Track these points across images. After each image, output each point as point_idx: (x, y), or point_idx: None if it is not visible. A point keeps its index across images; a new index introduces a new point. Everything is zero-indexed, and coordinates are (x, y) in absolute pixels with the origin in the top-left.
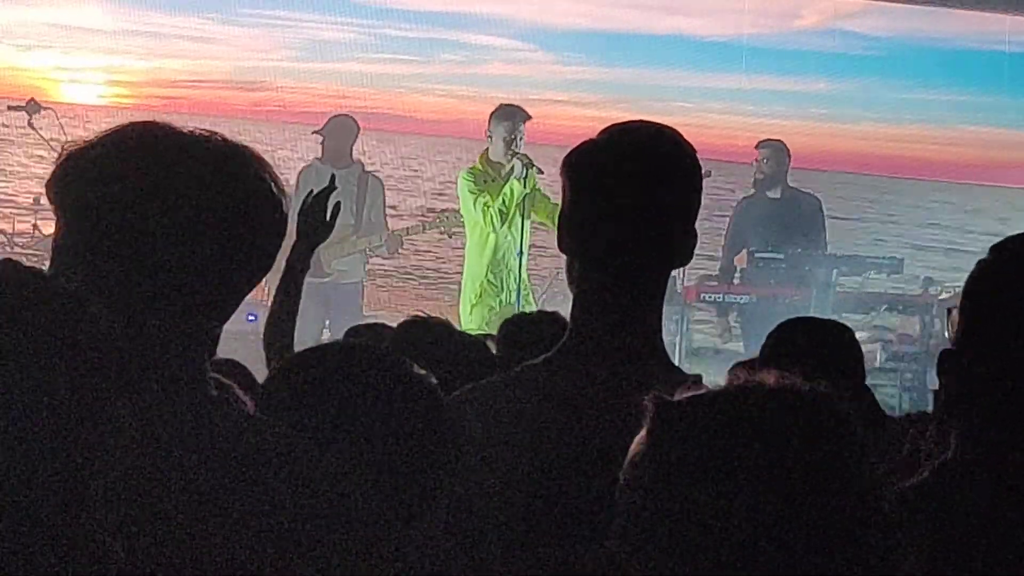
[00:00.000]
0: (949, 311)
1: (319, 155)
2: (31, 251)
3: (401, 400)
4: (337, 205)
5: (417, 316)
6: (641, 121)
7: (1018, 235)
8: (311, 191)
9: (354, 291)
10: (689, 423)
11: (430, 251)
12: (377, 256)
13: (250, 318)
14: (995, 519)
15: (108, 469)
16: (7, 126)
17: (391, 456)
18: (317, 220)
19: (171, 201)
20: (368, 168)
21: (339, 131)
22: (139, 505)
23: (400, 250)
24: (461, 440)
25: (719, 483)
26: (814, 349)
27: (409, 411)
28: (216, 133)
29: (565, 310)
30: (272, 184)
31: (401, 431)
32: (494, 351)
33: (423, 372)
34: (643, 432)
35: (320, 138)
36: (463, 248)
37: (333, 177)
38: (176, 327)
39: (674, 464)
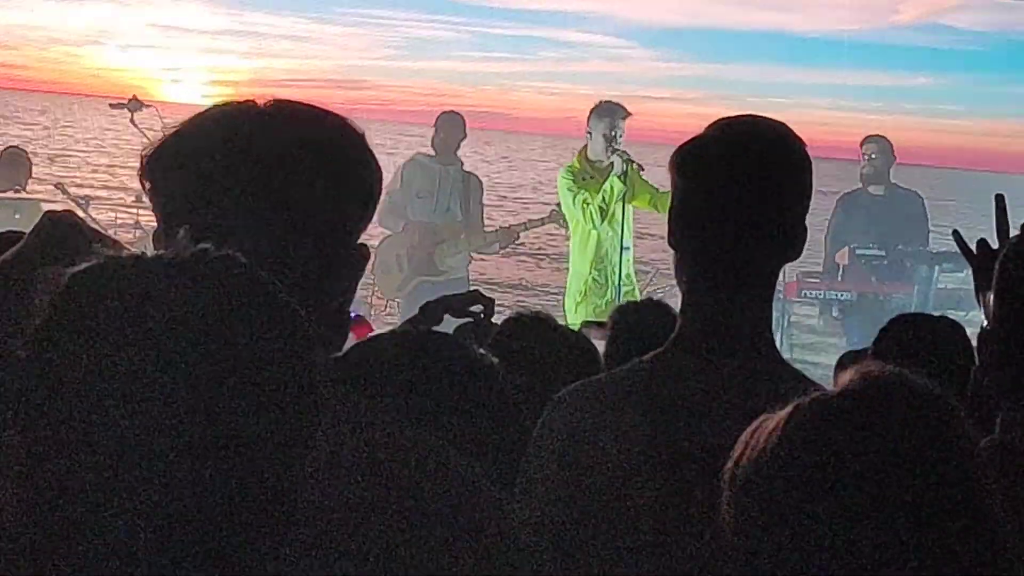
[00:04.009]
0: (982, 292)
1: (419, 150)
2: (134, 250)
3: (462, 379)
4: None
5: (520, 313)
6: (751, 115)
7: None
8: None
9: (460, 286)
10: (815, 423)
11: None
12: (485, 252)
13: (354, 316)
14: None
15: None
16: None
17: (458, 437)
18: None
19: (277, 172)
20: (468, 166)
21: (448, 127)
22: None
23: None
24: (521, 419)
25: (840, 482)
26: (927, 346)
27: (471, 390)
28: (300, 104)
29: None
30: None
31: (465, 410)
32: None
33: (483, 353)
34: (772, 428)
35: (430, 133)
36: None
37: None
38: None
39: (802, 461)
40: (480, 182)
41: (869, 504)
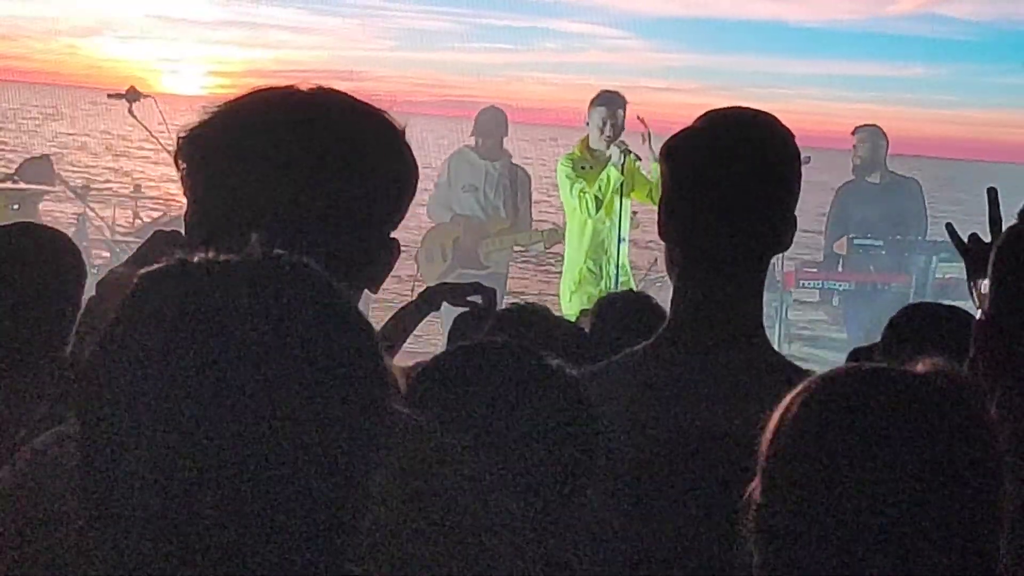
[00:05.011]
0: (974, 281)
1: (466, 142)
2: (132, 239)
3: (544, 394)
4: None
5: (515, 303)
6: (739, 108)
7: None
8: None
9: (499, 280)
10: (842, 401)
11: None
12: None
13: None
14: None
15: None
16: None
17: (539, 453)
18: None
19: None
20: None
21: (492, 124)
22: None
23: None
24: (601, 428)
25: (864, 460)
26: (941, 335)
27: (553, 405)
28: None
29: (662, 298)
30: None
31: (547, 425)
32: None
33: (560, 363)
34: (789, 406)
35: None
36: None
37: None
38: None
39: (825, 438)
40: (528, 177)
41: (897, 476)
